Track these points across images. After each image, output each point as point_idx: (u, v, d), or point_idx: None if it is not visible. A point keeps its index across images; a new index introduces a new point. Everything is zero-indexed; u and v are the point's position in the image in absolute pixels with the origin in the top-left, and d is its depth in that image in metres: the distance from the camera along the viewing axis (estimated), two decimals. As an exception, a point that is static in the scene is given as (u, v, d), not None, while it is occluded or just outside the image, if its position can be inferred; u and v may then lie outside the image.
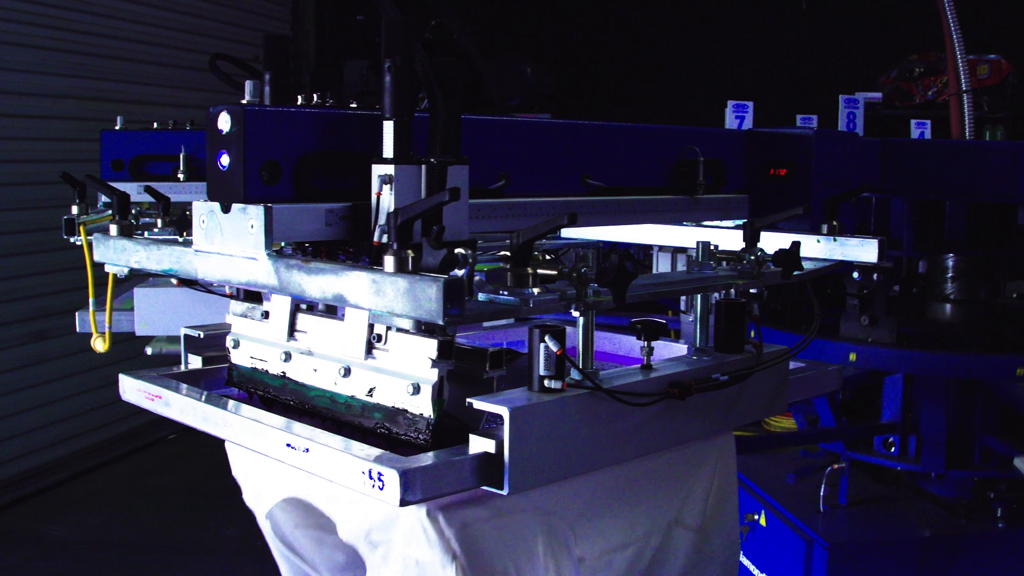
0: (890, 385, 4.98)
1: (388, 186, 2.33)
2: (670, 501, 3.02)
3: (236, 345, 2.87)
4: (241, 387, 2.88)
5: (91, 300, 4.26)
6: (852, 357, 4.70)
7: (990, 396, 4.76)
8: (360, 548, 2.72)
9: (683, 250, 3.58)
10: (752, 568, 5.18)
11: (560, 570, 2.73)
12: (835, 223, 3.39)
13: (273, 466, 2.78)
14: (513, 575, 2.62)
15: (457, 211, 2.38)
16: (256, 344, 2.81)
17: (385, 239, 2.28)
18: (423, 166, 2.37)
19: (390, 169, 2.33)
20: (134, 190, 4.47)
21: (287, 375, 2.71)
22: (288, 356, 2.70)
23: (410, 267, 2.14)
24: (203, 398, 2.73)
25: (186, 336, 3.10)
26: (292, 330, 2.70)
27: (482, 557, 2.55)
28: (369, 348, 2.50)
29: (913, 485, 5.16)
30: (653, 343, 2.67)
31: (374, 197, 2.35)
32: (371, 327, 2.47)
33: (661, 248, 3.67)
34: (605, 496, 2.82)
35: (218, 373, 3.03)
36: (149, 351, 4.92)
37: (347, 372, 2.55)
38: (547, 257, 2.45)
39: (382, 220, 2.32)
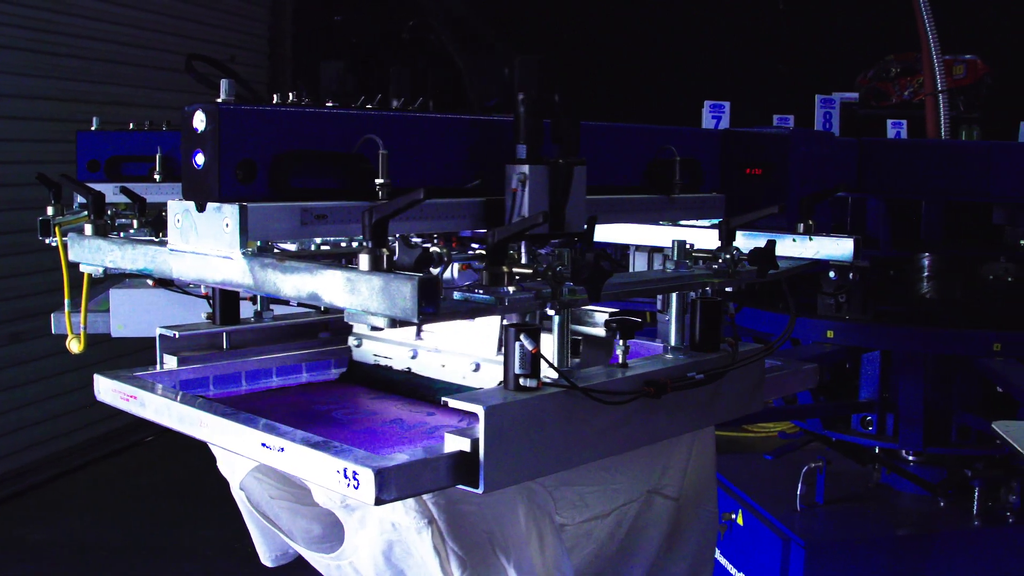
0: (867, 363, 5.00)
1: (522, 184, 2.60)
2: (650, 471, 3.06)
3: (359, 344, 3.22)
4: (362, 382, 3.18)
5: (66, 301, 4.24)
6: (830, 334, 4.72)
7: (967, 373, 4.77)
8: (337, 512, 2.75)
9: (659, 249, 3.58)
10: (729, 567, 5.19)
11: (542, 536, 2.76)
12: (811, 222, 3.40)
13: None
14: (495, 540, 2.65)
15: (576, 205, 2.67)
16: (380, 343, 3.15)
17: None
18: (549, 167, 2.65)
19: (525, 169, 2.61)
20: (110, 191, 4.44)
21: (412, 371, 3.01)
22: (415, 353, 3.00)
23: (384, 265, 2.14)
24: (178, 398, 2.72)
25: (161, 336, 3.09)
26: (419, 330, 2.98)
27: (461, 522, 2.58)
28: (500, 345, 2.77)
29: (891, 464, 5.18)
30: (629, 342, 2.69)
31: (509, 193, 2.61)
32: (503, 326, 2.64)
33: (638, 247, 3.67)
34: (588, 466, 2.84)
35: (194, 373, 3.04)
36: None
37: (477, 367, 2.87)
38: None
39: (516, 214, 2.60)
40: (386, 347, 3.11)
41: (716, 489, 3.35)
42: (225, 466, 3.08)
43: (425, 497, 2.50)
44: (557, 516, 2.84)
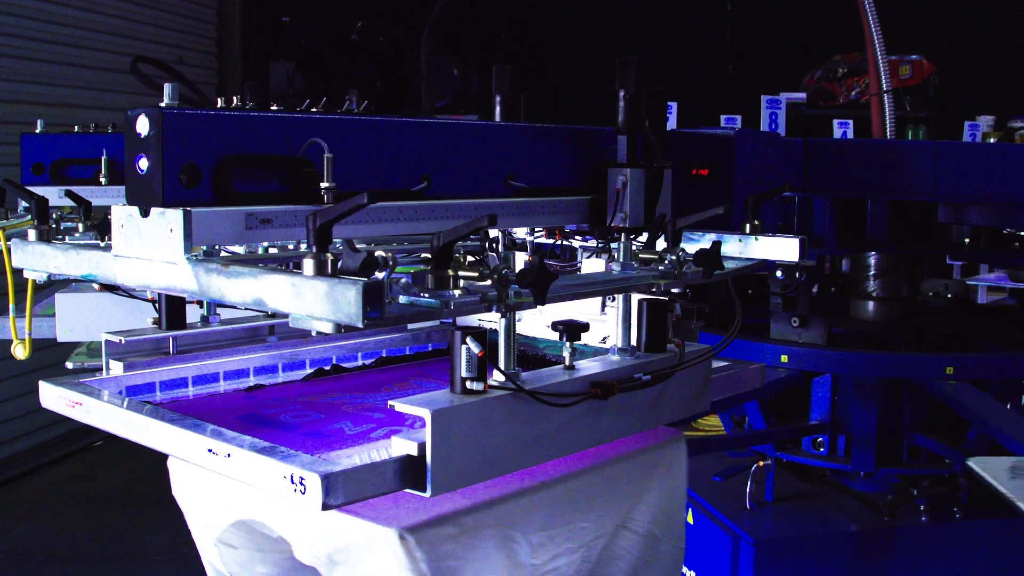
0: (818, 385, 5.01)
1: (625, 185, 3.06)
2: (618, 506, 3.03)
3: None
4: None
5: (11, 306, 4.20)
6: (784, 359, 4.73)
7: (918, 394, 4.80)
8: (320, 568, 2.68)
9: (607, 250, 3.59)
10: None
11: None
12: (757, 222, 3.41)
13: (220, 486, 2.77)
14: None
15: (664, 201, 3.17)
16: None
17: (620, 223, 3.08)
18: (646, 169, 3.11)
19: (626, 171, 3.08)
20: (55, 194, 4.40)
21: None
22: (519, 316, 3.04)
23: (329, 270, 2.13)
24: (125, 404, 2.70)
25: (107, 342, 3.06)
26: None
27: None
28: (603, 306, 3.24)
29: (837, 483, 5.20)
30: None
31: (612, 191, 3.08)
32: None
33: (584, 248, 3.68)
34: (564, 508, 2.82)
35: (140, 378, 3.01)
36: (70, 365, 4.86)
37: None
38: (469, 259, 2.46)
39: (620, 209, 3.07)
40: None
41: (685, 525, 3.32)
42: (196, 523, 2.97)
43: (417, 554, 2.44)
44: (531, 559, 2.82)
